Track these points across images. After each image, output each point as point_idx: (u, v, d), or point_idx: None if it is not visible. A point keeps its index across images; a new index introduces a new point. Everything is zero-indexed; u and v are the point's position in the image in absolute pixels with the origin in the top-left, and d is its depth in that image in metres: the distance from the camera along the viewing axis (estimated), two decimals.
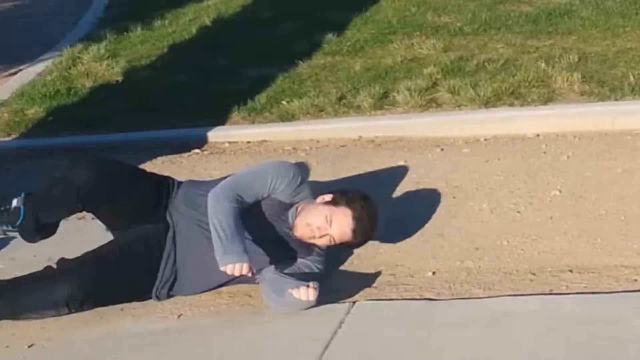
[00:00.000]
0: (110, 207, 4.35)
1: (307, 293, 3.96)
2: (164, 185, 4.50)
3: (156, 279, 4.20)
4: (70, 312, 4.13)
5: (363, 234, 4.31)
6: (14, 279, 4.31)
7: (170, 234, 4.25)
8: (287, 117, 7.02)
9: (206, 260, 4.11)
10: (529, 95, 6.68)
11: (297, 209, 4.36)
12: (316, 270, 4.25)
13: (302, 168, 4.38)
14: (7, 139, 7.19)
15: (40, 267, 4.28)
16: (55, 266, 4.27)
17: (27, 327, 4.12)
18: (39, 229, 4.39)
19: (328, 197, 4.35)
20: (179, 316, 4.09)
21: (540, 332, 3.63)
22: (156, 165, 6.29)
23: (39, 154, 6.73)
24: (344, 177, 5.69)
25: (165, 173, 6.19)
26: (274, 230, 4.28)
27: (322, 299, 4.02)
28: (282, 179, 4.33)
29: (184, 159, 6.53)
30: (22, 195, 4.39)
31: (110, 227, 4.46)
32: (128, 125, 7.16)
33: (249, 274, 4.05)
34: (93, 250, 4.30)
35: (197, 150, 6.68)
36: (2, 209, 4.39)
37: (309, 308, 3.97)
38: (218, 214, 4.14)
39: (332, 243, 4.28)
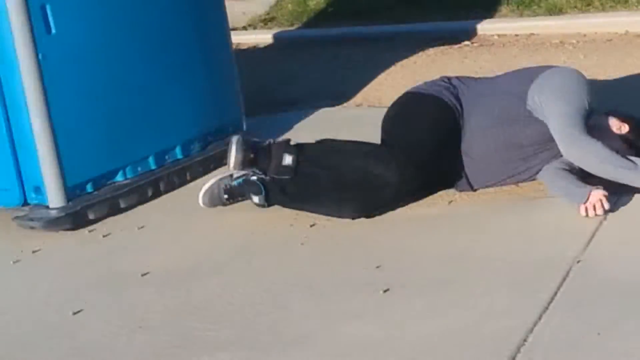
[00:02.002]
0: None
1: (593, 208, 3.78)
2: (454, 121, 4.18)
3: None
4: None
5: None
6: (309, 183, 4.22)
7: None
8: (555, 10, 6.95)
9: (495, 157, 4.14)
10: None
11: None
12: None
13: (579, 73, 4.11)
14: (290, 28, 7.49)
15: None
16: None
17: None
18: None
19: (625, 127, 4.04)
20: (450, 202, 4.28)
21: None
22: (429, 56, 6.41)
23: (320, 43, 7.02)
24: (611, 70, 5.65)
25: (437, 64, 6.45)
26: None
27: None
28: (585, 89, 4.04)
29: (454, 50, 6.60)
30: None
31: None
32: (401, 17, 7.30)
33: None
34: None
35: (467, 43, 6.74)
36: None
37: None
38: (600, 159, 3.88)
39: None
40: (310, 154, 3.98)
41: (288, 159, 3.92)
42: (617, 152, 3.95)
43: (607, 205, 3.80)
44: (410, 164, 4.03)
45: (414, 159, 4.05)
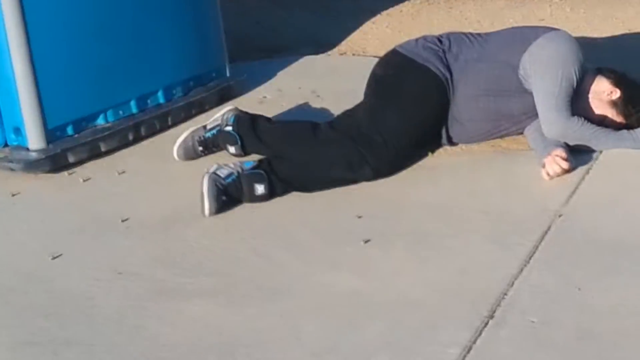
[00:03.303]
0: None
1: (553, 166, 3.76)
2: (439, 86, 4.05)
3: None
4: None
5: None
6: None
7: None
8: None
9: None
10: None
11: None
12: None
13: (572, 40, 4.00)
14: None
15: (305, 100, 4.34)
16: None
17: None
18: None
19: (616, 93, 3.96)
20: (432, 153, 4.21)
21: None
22: (414, 5, 6.29)
23: None
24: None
25: (422, 14, 6.36)
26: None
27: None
28: (576, 63, 3.92)
29: (441, 0, 6.53)
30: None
31: None
32: None
33: None
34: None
35: None
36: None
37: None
38: (577, 141, 3.88)
39: None
40: (281, 175, 3.88)
41: (260, 189, 3.86)
42: (605, 120, 3.95)
43: (564, 165, 3.76)
44: (384, 163, 3.95)
45: (387, 154, 3.95)
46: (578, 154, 3.88)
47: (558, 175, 3.77)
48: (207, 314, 3.09)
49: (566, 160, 3.77)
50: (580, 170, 3.81)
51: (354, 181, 3.94)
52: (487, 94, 4.04)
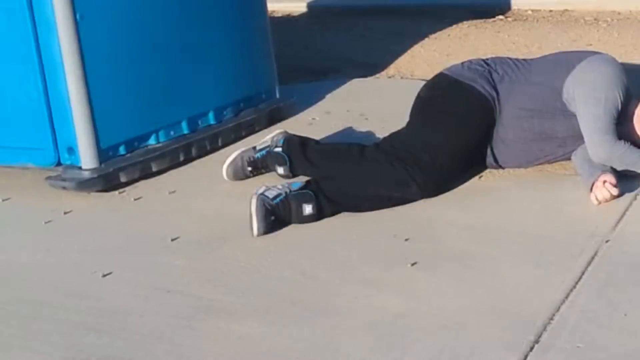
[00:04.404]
0: None
1: (602, 191, 3.74)
2: (488, 109, 4.04)
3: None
4: None
5: None
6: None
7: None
8: None
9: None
10: None
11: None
12: None
13: (615, 63, 3.98)
14: None
15: (353, 122, 4.34)
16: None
17: None
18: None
19: None
20: (480, 177, 4.20)
21: None
22: (462, 29, 6.32)
23: (354, 14, 6.94)
24: None
25: (470, 37, 6.36)
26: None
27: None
28: (619, 86, 3.91)
29: (488, 24, 6.51)
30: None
31: None
32: None
33: None
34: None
35: (501, 17, 6.66)
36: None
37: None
38: (623, 165, 3.86)
39: None
40: (329, 194, 3.89)
41: (308, 209, 3.87)
42: None
43: (614, 191, 3.74)
44: (431, 181, 3.95)
45: (434, 172, 3.95)
46: (625, 180, 3.85)
47: (607, 201, 3.74)
48: (254, 333, 3.09)
49: (615, 186, 3.74)
50: (628, 196, 3.79)
51: (401, 199, 3.93)
52: (531, 115, 4.02)
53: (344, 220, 3.86)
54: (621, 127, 3.93)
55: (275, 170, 4.26)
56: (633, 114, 3.96)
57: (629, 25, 6.21)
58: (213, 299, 3.33)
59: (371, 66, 5.94)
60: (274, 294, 3.32)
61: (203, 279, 3.47)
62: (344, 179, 4.00)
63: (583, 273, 3.26)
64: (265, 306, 3.25)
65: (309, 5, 7.58)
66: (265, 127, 4.89)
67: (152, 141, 4.57)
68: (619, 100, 3.91)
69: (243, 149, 4.35)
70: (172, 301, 3.33)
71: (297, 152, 4.22)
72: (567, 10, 6.62)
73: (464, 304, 3.15)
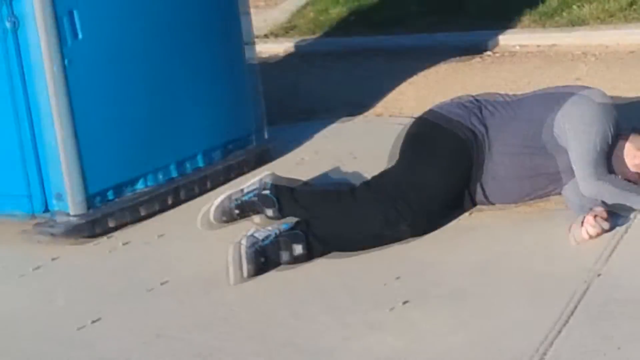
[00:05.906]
0: None
1: (593, 226, 3.70)
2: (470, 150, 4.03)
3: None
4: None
5: None
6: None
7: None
8: (577, 22, 6.88)
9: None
10: None
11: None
12: None
13: (605, 97, 4.02)
14: (312, 36, 7.46)
15: (342, 161, 4.34)
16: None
17: None
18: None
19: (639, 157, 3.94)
20: (470, 214, 4.20)
21: None
22: (451, 66, 6.35)
23: (342, 53, 6.98)
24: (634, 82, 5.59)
25: (459, 74, 6.39)
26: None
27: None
28: (610, 120, 3.93)
29: (476, 61, 6.54)
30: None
31: None
32: (423, 28, 7.24)
33: None
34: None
35: (489, 53, 6.69)
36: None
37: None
38: (613, 199, 3.86)
39: None
40: (319, 234, 3.91)
41: (298, 249, 3.88)
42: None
43: (605, 225, 3.73)
44: (421, 219, 3.95)
45: (424, 211, 3.95)
46: (615, 214, 3.85)
47: (598, 235, 3.74)
48: None
49: (606, 220, 3.75)
50: (618, 229, 3.79)
51: (392, 238, 3.93)
52: (522, 152, 4.04)
53: (334, 262, 3.86)
54: (611, 161, 3.95)
55: (264, 213, 4.26)
56: (624, 148, 3.98)
57: (617, 58, 6.25)
58: (204, 343, 3.32)
59: (359, 105, 5.96)
60: (266, 338, 3.32)
61: (193, 323, 3.47)
62: (333, 219, 4.01)
63: (576, 307, 3.26)
64: (257, 349, 3.24)
65: (296, 45, 7.62)
66: (254, 169, 4.89)
67: (140, 185, 4.58)
68: (610, 134, 3.93)
69: (230, 191, 4.36)
70: (163, 346, 3.32)
71: (286, 194, 4.23)
72: (554, 44, 6.67)
73: (457, 341, 3.15)
